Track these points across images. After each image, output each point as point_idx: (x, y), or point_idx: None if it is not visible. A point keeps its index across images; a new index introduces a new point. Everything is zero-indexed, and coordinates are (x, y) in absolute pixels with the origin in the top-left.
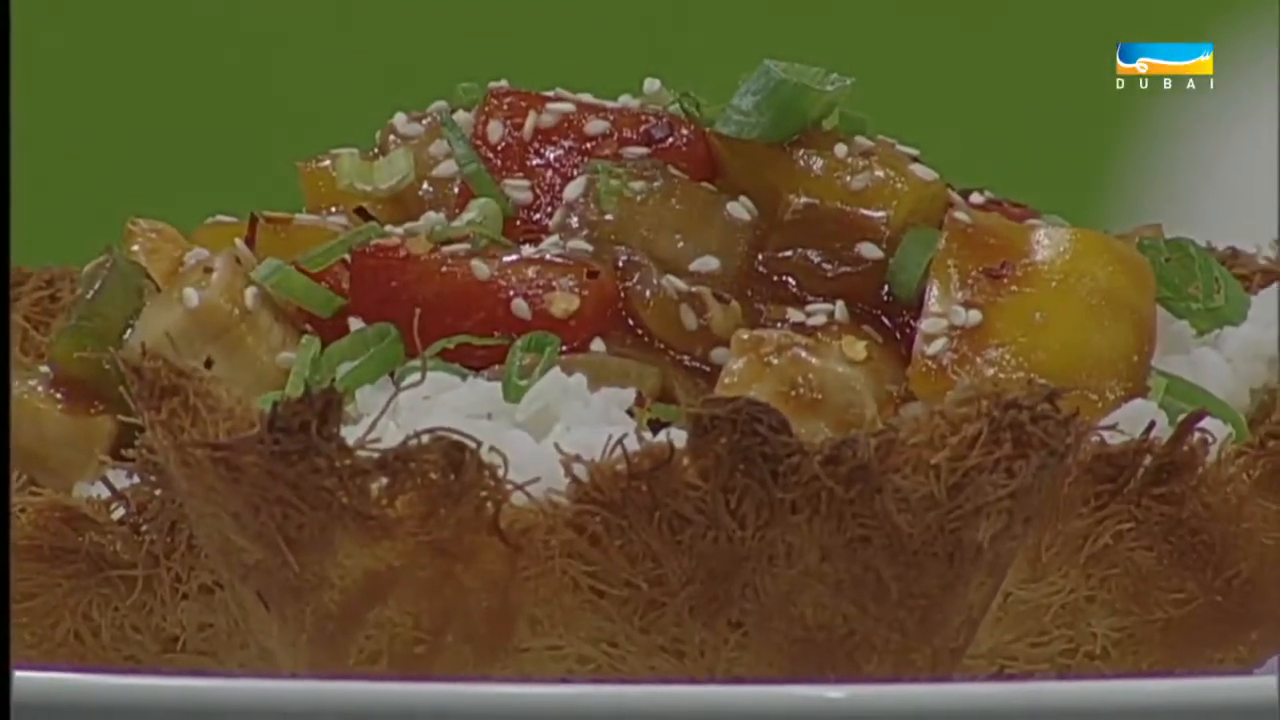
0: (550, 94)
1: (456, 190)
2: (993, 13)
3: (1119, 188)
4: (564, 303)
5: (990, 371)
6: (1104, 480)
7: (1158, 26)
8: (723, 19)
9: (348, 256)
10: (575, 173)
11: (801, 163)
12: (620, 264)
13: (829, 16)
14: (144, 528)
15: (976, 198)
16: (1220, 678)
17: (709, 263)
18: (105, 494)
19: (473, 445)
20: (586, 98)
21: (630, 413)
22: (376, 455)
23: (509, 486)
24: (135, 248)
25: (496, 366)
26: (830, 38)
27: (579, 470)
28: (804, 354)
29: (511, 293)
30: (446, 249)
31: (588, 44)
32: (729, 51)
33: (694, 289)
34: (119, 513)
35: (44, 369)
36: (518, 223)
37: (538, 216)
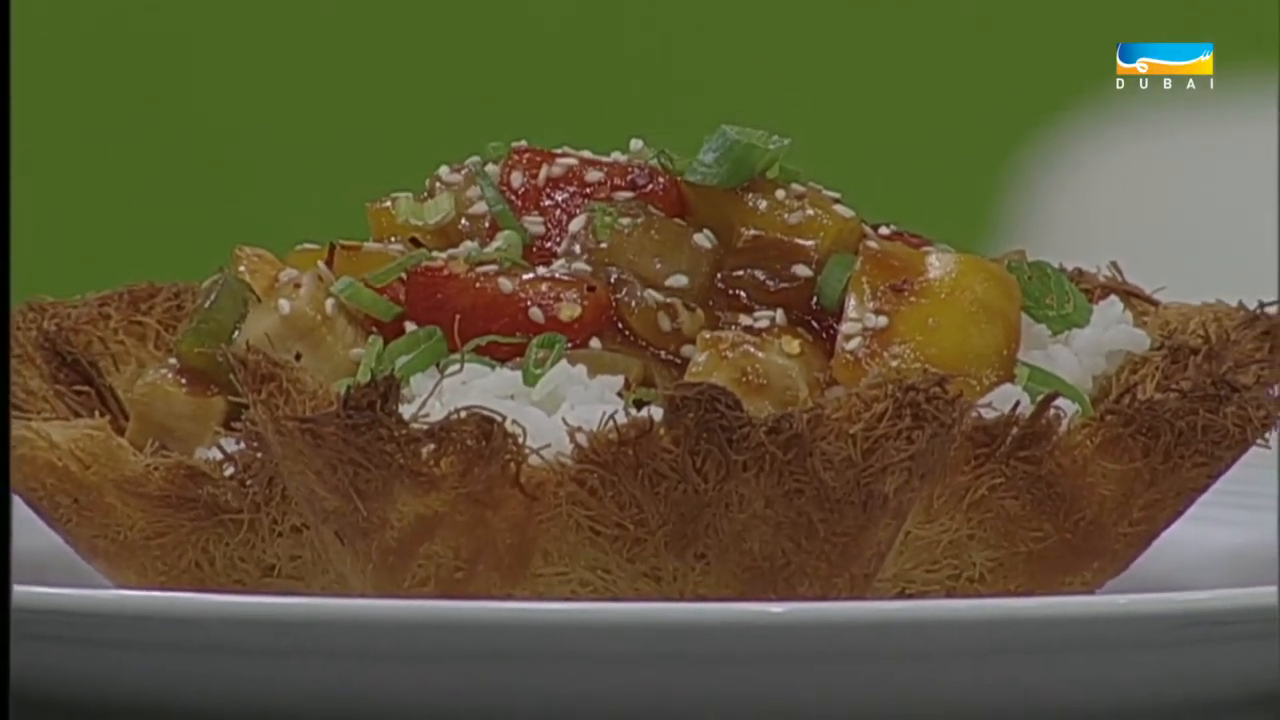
0: (559, 151)
1: (487, 224)
2: (899, 98)
3: (998, 220)
4: (569, 310)
5: (894, 363)
6: (981, 446)
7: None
8: (690, 95)
9: (404, 275)
10: (578, 211)
11: (750, 203)
12: (612, 281)
13: (775, 90)
14: (248, 482)
15: (884, 230)
16: (1211, 590)
17: (680, 280)
18: (219, 456)
19: (500, 419)
20: (586, 154)
21: (620, 394)
22: (426, 427)
23: (527, 451)
24: (241, 268)
25: (518, 359)
26: (775, 106)
27: (581, 438)
28: (752, 350)
29: (529, 303)
30: (480, 269)
31: (588, 113)
32: (694, 118)
33: (668, 300)
34: (229, 471)
35: (172, 361)
36: (534, 249)
37: (549, 244)
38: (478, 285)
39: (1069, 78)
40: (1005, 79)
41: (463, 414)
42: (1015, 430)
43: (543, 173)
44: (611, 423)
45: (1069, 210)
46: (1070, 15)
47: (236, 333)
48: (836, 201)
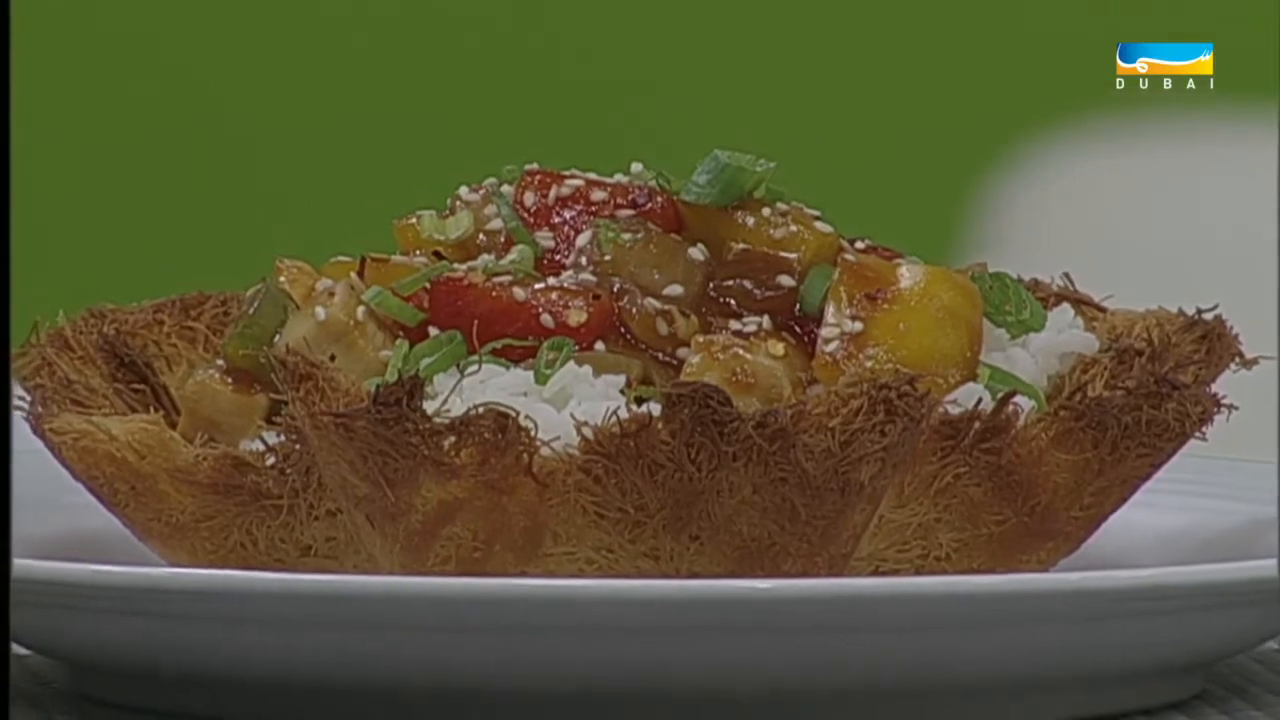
0: (567, 173)
1: (503, 239)
2: (872, 122)
3: (965, 233)
4: (577, 316)
5: (869, 364)
6: (947, 438)
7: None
8: (685, 122)
9: (428, 285)
10: (584, 227)
11: (740, 220)
12: (615, 290)
13: (763, 119)
14: (288, 471)
15: (860, 244)
16: (1153, 567)
17: (676, 289)
18: (261, 448)
19: (514, 414)
20: (592, 175)
21: (622, 392)
22: (447, 421)
23: (539, 443)
24: (282, 278)
25: (530, 360)
26: (762, 131)
27: (587, 432)
28: (742, 352)
29: (540, 309)
30: (496, 279)
31: (594, 138)
32: (689, 142)
33: (666, 307)
34: (270, 461)
35: (219, 362)
36: (544, 262)
37: (558, 257)
38: (494, 294)
39: (1066, 80)
40: (996, 85)
41: (481, 409)
42: (977, 424)
43: (553, 193)
44: (615, 417)
45: (1027, 224)
46: (1070, 15)
47: (277, 336)
48: (817, 218)
